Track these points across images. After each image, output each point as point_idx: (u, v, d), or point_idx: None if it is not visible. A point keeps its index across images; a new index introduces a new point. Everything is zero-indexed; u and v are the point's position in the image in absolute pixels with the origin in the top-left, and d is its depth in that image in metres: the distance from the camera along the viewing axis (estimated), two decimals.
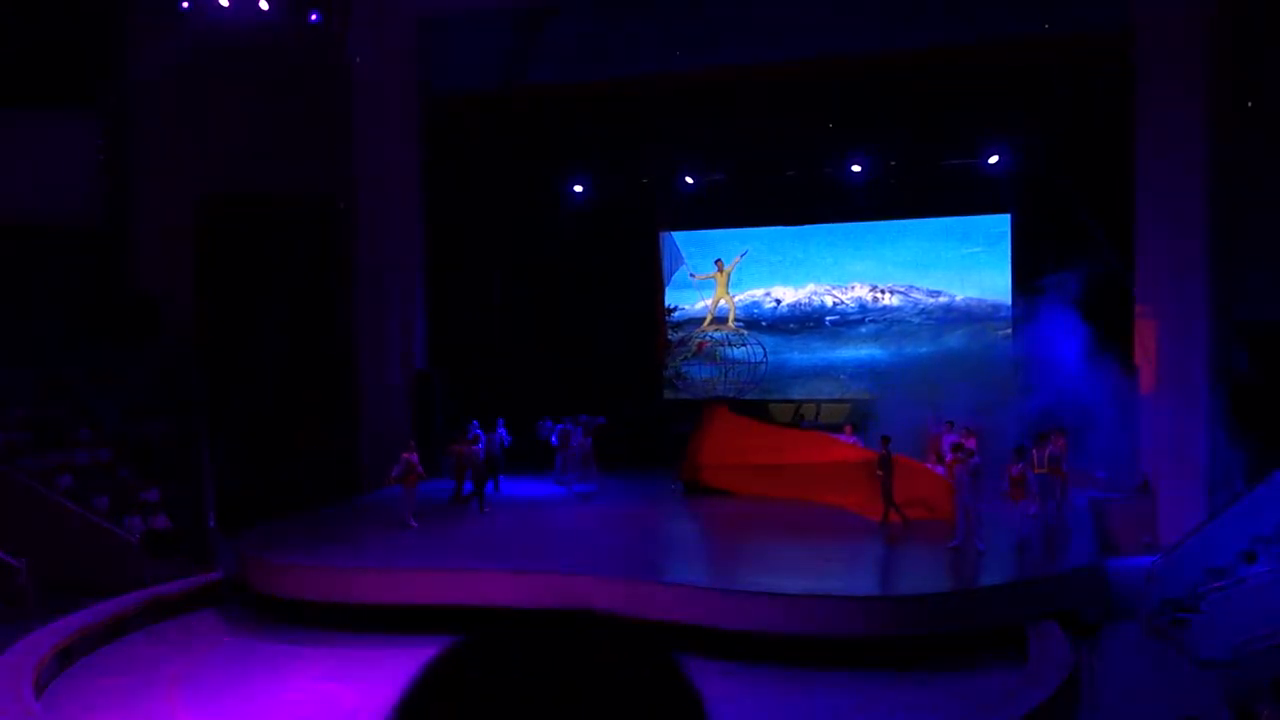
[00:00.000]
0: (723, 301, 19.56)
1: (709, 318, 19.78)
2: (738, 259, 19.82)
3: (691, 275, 19.84)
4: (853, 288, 22.59)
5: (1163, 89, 15.27)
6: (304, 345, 18.49)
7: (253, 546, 13.88)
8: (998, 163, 20.21)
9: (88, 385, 16.23)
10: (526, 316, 21.80)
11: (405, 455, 14.85)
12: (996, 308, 21.35)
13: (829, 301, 22.78)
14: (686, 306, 22.92)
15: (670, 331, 22.67)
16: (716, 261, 19.57)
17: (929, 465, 15.41)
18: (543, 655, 1.03)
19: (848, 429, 16.65)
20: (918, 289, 22.07)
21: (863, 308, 22.51)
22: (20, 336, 16.06)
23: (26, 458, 14.82)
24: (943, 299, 21.84)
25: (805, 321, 22.87)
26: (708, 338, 19.50)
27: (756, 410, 20.51)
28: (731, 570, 13.24)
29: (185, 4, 17.80)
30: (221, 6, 17.75)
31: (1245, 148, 15.19)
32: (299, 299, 18.69)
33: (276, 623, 12.64)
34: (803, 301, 22.92)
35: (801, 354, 22.88)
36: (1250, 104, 15.24)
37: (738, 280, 22.69)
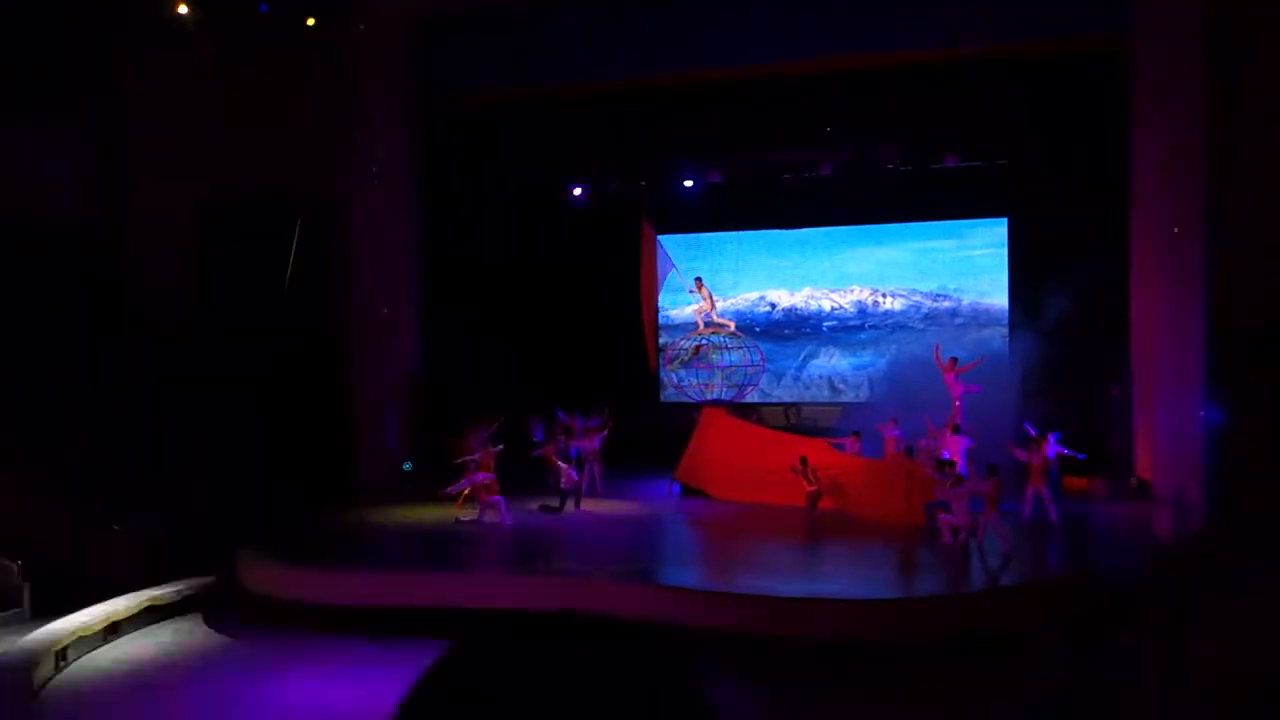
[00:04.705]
0: (708, 311, 19.58)
1: (700, 323, 19.76)
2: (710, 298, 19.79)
3: (685, 285, 19.86)
4: (851, 291, 22.61)
5: (1160, 90, 15.29)
6: (300, 346, 18.46)
7: (249, 548, 13.84)
8: (996, 165, 20.25)
9: (83, 386, 16.19)
10: (523, 319, 21.79)
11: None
12: (997, 311, 21.38)
13: (826, 306, 22.79)
14: (676, 311, 22.94)
15: (665, 334, 22.66)
16: (697, 281, 19.65)
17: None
18: (543, 657, 1.01)
19: (853, 436, 16.64)
20: (919, 292, 22.11)
21: (862, 311, 22.53)
22: (18, 337, 16.02)
23: (21, 457, 14.78)
24: (947, 303, 21.87)
25: (801, 326, 22.88)
26: (705, 341, 19.48)
27: (752, 414, 20.50)
28: (727, 573, 13.22)
29: (182, 7, 17.77)
30: (217, 7, 17.75)
31: (1243, 149, 15.21)
32: (295, 300, 18.67)
33: (273, 625, 12.60)
34: (799, 305, 22.94)
35: (797, 358, 22.90)
36: (1247, 106, 15.25)
37: (735, 283, 22.72)
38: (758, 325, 22.69)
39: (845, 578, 12.39)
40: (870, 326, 22.43)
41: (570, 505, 16.11)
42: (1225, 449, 14.70)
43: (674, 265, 19.67)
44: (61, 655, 11.15)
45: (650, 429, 20.04)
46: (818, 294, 22.82)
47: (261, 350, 17.80)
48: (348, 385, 18.60)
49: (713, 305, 19.64)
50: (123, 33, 18.76)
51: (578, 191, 22.53)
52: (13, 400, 15.32)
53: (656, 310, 21.69)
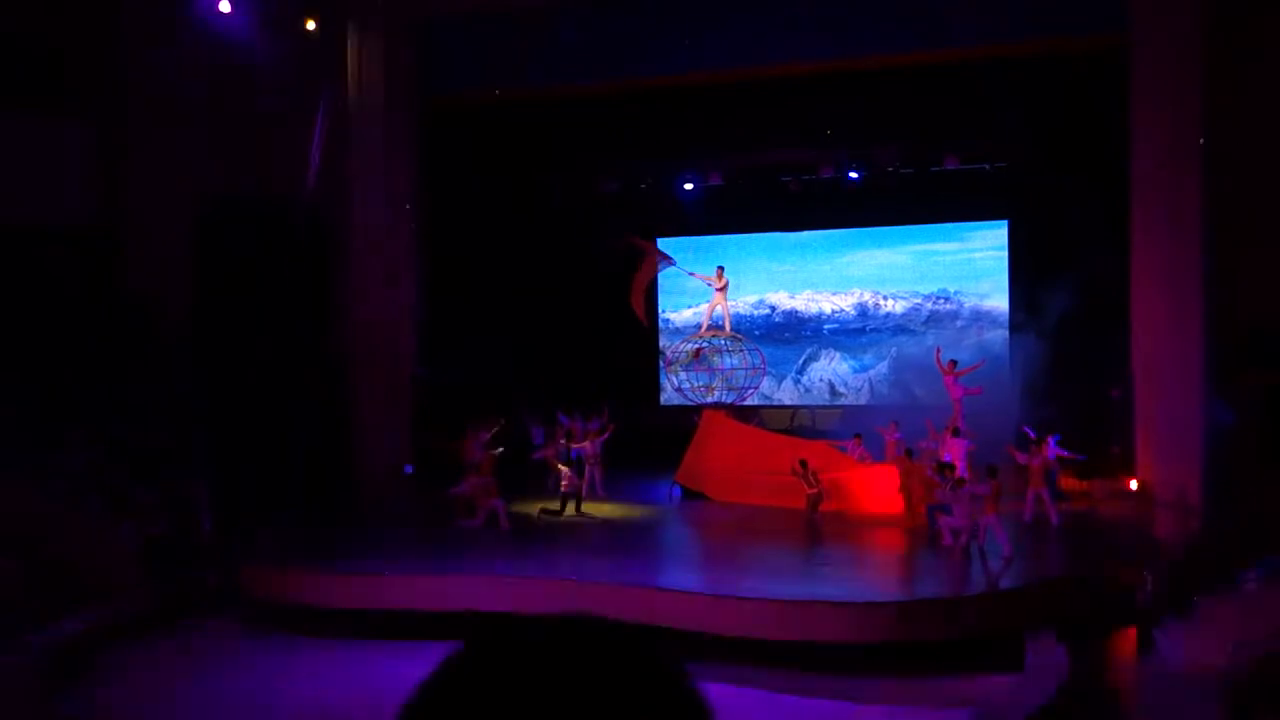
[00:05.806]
0: (718, 308, 19.52)
1: (704, 324, 19.74)
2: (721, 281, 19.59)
3: (693, 275, 19.77)
4: (852, 293, 22.62)
5: (1160, 90, 15.28)
6: (301, 348, 18.45)
7: (249, 550, 13.84)
8: (996, 167, 20.26)
9: (83, 387, 16.18)
10: (523, 321, 21.77)
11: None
12: (997, 313, 21.40)
13: (827, 308, 22.79)
14: (674, 315, 22.94)
15: (665, 337, 22.66)
16: (719, 269, 19.50)
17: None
18: (544, 661, 1.01)
19: (855, 439, 16.66)
20: (920, 295, 22.13)
21: (863, 314, 22.54)
22: (14, 338, 16.00)
23: (19, 460, 14.76)
24: (947, 306, 21.90)
25: (801, 329, 22.89)
26: (705, 344, 19.46)
27: (752, 417, 20.50)
28: (728, 576, 13.21)
29: (184, 8, 17.77)
30: (221, 12, 17.73)
31: (1242, 148, 15.21)
32: (296, 301, 18.65)
33: (273, 627, 12.60)
34: (799, 308, 22.94)
35: (797, 361, 22.90)
36: (1247, 106, 15.25)
37: (736, 285, 22.70)
38: (758, 328, 22.68)
39: (846, 580, 12.38)
40: (871, 329, 22.44)
41: (570, 508, 16.09)
42: (1225, 449, 14.69)
43: (671, 265, 19.61)
44: (63, 656, 11.14)
45: (651, 431, 20.05)
46: (818, 297, 22.83)
47: (261, 351, 17.78)
48: (348, 387, 18.59)
49: (724, 291, 19.45)
50: (123, 32, 18.74)
51: (577, 193, 22.54)
52: (13, 400, 15.31)
53: (657, 312, 21.67)
